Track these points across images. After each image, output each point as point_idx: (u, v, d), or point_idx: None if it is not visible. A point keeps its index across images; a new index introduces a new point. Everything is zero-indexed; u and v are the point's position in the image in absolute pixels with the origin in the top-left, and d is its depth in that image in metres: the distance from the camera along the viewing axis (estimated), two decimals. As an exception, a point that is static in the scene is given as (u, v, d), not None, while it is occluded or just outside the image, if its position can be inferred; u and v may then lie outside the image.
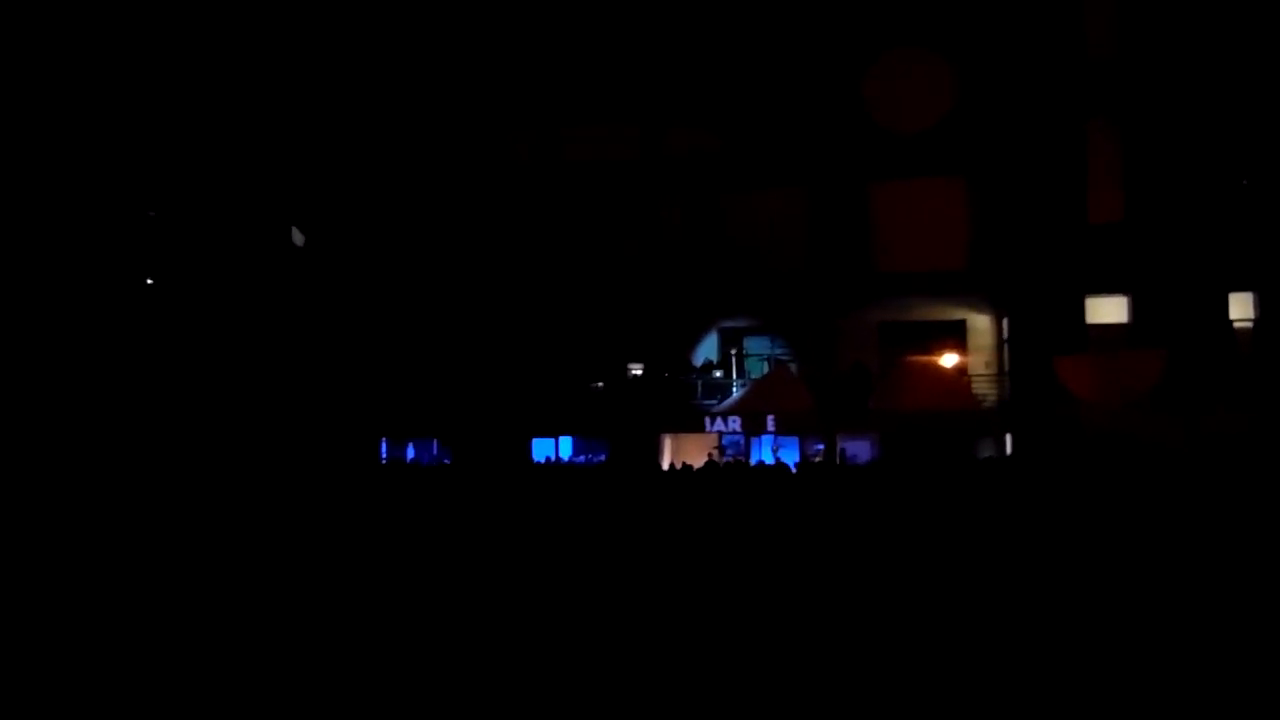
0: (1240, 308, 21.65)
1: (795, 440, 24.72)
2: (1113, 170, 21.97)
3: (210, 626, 11.14)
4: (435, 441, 27.45)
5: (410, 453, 27.51)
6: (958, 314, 24.58)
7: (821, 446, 23.92)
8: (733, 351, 26.20)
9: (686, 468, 20.61)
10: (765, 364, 25.87)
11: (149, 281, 26.49)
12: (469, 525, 16.67)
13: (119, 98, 26.00)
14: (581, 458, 26.48)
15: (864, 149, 23.79)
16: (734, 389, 25.04)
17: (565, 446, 26.81)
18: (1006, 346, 23.67)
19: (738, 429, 23.64)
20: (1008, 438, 23.05)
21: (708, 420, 23.68)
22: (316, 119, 26.78)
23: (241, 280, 26.18)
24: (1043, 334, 21.96)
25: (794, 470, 20.78)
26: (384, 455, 26.78)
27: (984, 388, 23.87)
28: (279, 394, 25.38)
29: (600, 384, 25.83)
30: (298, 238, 26.83)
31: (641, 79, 25.38)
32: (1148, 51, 21.69)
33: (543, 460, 25.60)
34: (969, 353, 24.49)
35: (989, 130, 23.01)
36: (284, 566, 14.25)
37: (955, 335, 24.65)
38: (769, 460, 23.61)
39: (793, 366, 25.22)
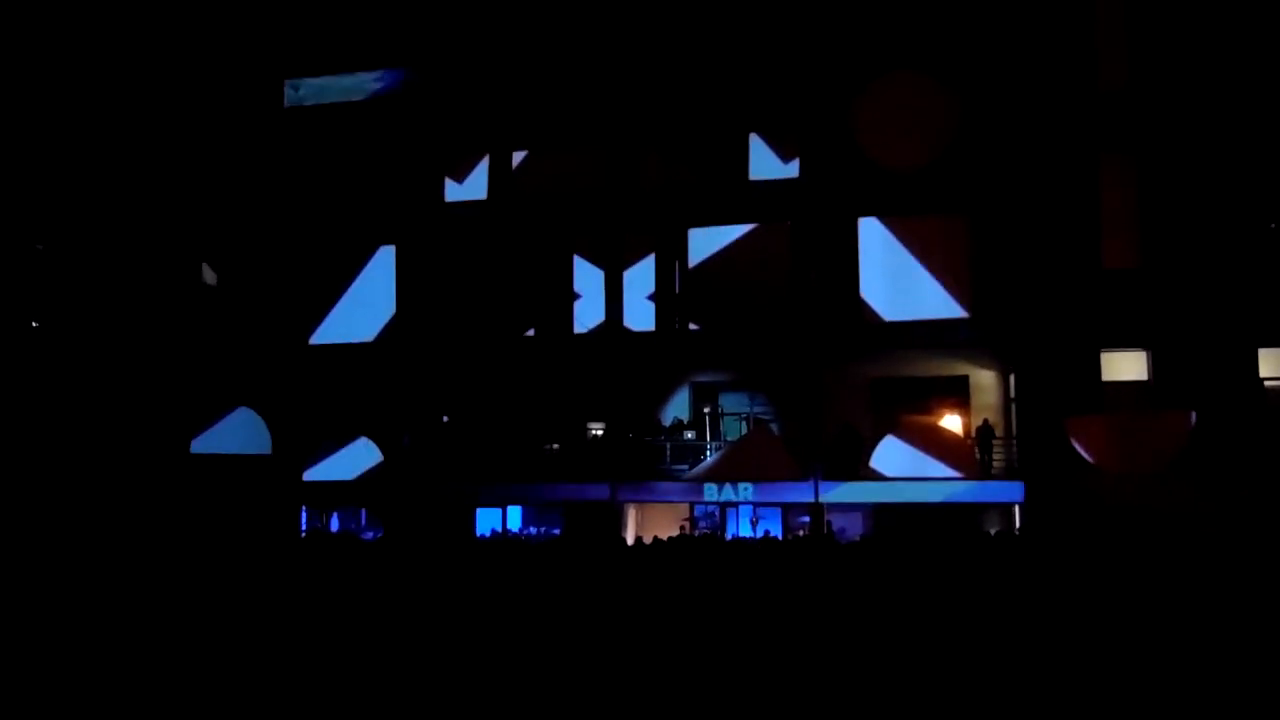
0: (1272, 365, 20.65)
1: (778, 511, 23.44)
2: (1129, 211, 21.04)
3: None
4: (364, 511, 26.01)
5: (335, 523, 26.12)
6: (959, 369, 23.54)
7: (807, 519, 22.62)
8: (706, 409, 24.99)
9: (655, 541, 19.07)
10: (743, 424, 24.58)
11: (34, 324, 24.79)
12: (401, 609, 15.46)
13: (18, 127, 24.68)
14: (532, 530, 25.16)
15: (855, 182, 22.71)
16: (708, 452, 23.76)
17: (514, 517, 25.37)
18: (1014, 406, 22.58)
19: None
20: (1016, 510, 21.80)
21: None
22: (236, 150, 25.70)
23: (145, 321, 24.77)
24: (1054, 392, 20.97)
25: (776, 546, 19.52)
26: (304, 526, 25.18)
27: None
28: (183, 449, 23.93)
29: (555, 446, 24.33)
30: (209, 276, 25.59)
31: (615, 105, 24.44)
32: (1165, 82, 20.92)
33: (488, 533, 24.28)
34: (972, 412, 23.34)
35: (992, 166, 22.07)
36: (188, 644, 13.64)
37: (957, 393, 23.57)
38: (747, 533, 22.70)
39: (774, 427, 23.96)
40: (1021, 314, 21.50)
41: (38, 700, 11.32)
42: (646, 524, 23.65)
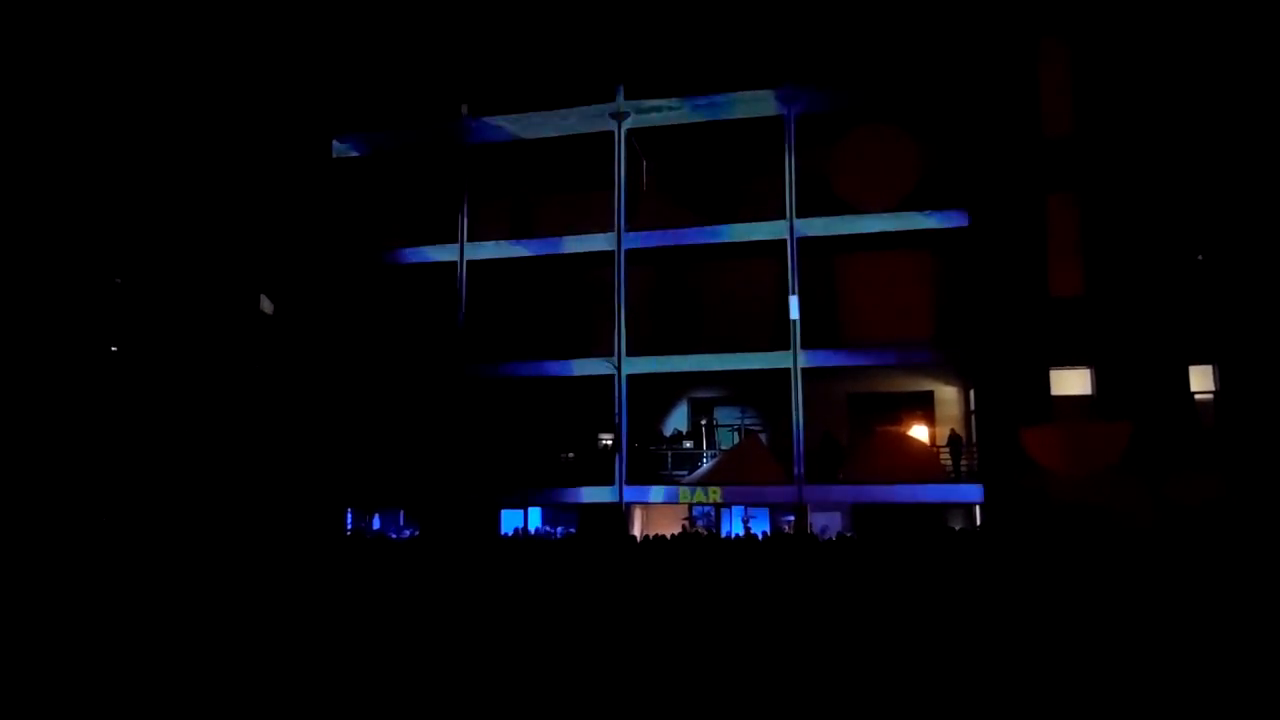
0: (1201, 380, 21.77)
1: (765, 511, 24.53)
2: (1073, 245, 22.13)
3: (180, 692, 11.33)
4: (401, 513, 27.08)
5: (376, 523, 27.10)
6: (925, 385, 24.69)
7: (792, 518, 23.69)
8: (703, 422, 26.12)
9: (659, 539, 20.39)
10: (735, 434, 25.80)
11: (113, 349, 26.12)
12: (437, 599, 16.91)
13: (88, 164, 26.16)
14: (550, 529, 26.14)
15: (832, 222, 23.97)
16: (704, 460, 24.90)
17: (534, 518, 26.49)
18: (974, 418, 23.69)
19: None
20: (977, 509, 22.99)
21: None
22: (291, 191, 27.00)
23: (210, 347, 26.02)
24: (1009, 405, 22.01)
25: (756, 543, 20.55)
26: (349, 525, 26.29)
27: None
28: (244, 462, 25.09)
29: (571, 455, 25.62)
30: (267, 306, 26.71)
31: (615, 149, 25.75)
32: (1104, 130, 22.12)
33: (510, 532, 25.29)
34: (937, 423, 24.54)
35: (952, 206, 23.24)
36: (246, 636, 14.50)
37: (923, 406, 24.76)
38: (739, 531, 23.53)
39: (763, 437, 25.24)
40: (979, 336, 22.49)
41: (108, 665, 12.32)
42: (651, 523, 24.70)
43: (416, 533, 25.73)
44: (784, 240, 24.15)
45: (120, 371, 25.97)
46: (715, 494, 23.20)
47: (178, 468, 24.52)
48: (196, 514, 22.88)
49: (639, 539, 22.20)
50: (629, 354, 24.80)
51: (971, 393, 23.81)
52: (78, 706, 11.01)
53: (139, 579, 18.27)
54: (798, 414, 23.51)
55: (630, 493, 24.16)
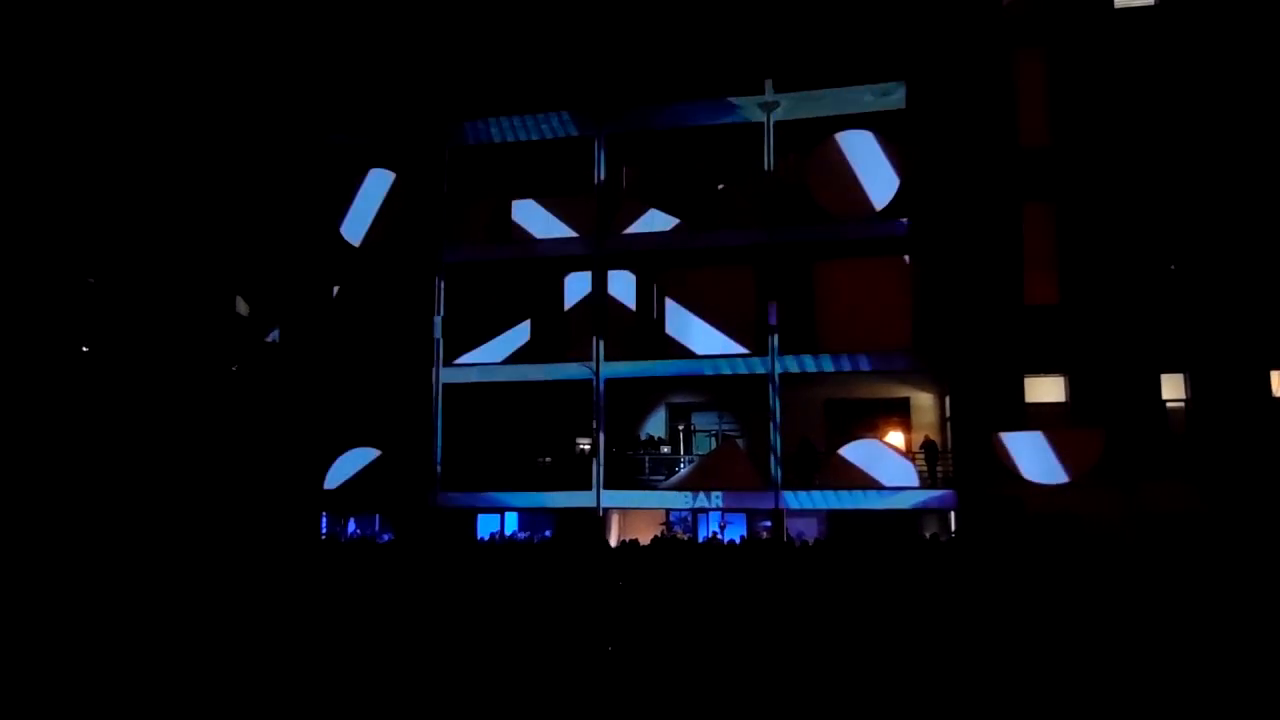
0: (1172, 388, 21.96)
1: (743, 517, 24.54)
2: (1048, 254, 22.33)
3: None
4: (377, 517, 26.88)
5: (351, 528, 26.96)
6: (901, 392, 24.82)
7: (769, 524, 23.75)
8: (681, 427, 26.23)
9: (635, 543, 20.44)
10: (712, 440, 25.88)
11: (84, 349, 25.81)
12: (411, 604, 16.84)
13: (61, 162, 25.82)
14: (527, 534, 26.03)
15: (809, 230, 24.10)
16: (682, 465, 24.96)
17: (511, 522, 26.41)
18: (949, 424, 23.72)
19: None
20: (952, 515, 23.12)
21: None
22: (265, 187, 26.93)
23: (184, 348, 25.76)
24: (983, 412, 22.11)
25: (741, 547, 20.71)
26: (324, 530, 26.16)
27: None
28: (219, 465, 24.73)
29: (548, 459, 25.67)
30: (242, 307, 26.47)
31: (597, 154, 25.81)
32: (1079, 140, 22.32)
33: (487, 537, 25.21)
34: (913, 430, 24.64)
35: (929, 214, 23.39)
36: (222, 639, 14.47)
37: (899, 412, 24.89)
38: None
39: (740, 442, 25.27)
40: (955, 343, 22.53)
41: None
42: (628, 528, 24.58)
43: (392, 537, 25.54)
44: (762, 246, 24.23)
45: (91, 373, 25.52)
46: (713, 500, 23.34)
47: (149, 471, 24.19)
48: (169, 517, 22.59)
49: (616, 543, 22.41)
50: (607, 358, 24.76)
51: (947, 399, 23.86)
52: (51, 709, 10.92)
53: (110, 583, 18.04)
54: (775, 420, 23.54)
55: (607, 497, 24.12)
